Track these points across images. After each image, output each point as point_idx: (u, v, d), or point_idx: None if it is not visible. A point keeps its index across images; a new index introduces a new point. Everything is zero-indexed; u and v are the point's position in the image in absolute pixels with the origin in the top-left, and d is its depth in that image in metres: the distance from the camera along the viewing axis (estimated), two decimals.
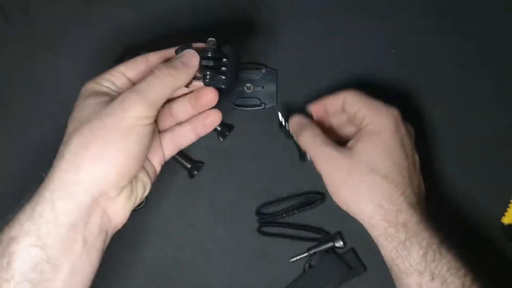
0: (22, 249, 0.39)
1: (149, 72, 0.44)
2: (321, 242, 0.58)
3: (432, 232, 0.47)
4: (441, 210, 0.58)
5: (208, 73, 0.47)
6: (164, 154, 0.50)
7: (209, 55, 0.46)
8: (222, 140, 0.59)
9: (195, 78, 0.47)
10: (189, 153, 0.60)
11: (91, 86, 0.45)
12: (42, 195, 0.41)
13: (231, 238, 0.59)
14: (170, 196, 0.59)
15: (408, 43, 0.61)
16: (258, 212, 0.59)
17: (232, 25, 0.61)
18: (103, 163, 0.41)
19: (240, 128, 0.60)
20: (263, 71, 0.60)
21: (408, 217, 0.47)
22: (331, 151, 0.49)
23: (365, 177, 0.48)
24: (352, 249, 0.58)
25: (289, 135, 0.56)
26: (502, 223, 0.58)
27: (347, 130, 0.54)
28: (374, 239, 0.49)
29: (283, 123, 0.56)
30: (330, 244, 0.58)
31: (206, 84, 0.47)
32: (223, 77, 0.47)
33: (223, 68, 0.47)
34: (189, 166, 0.59)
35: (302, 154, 0.56)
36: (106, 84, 0.45)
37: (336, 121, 0.55)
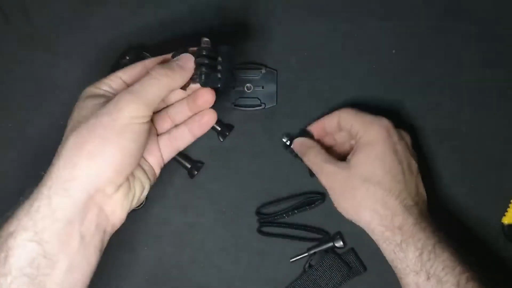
0: (19, 244, 0.40)
1: (145, 74, 0.45)
2: (321, 242, 0.58)
3: (428, 233, 0.49)
4: (441, 211, 0.58)
5: (204, 70, 0.47)
6: (162, 157, 0.51)
7: (203, 54, 0.47)
8: (222, 140, 0.59)
9: (192, 80, 0.48)
10: (189, 153, 0.60)
11: (89, 89, 0.46)
12: (40, 191, 0.41)
13: (231, 238, 0.59)
14: (170, 196, 0.59)
15: (408, 43, 0.60)
16: (258, 212, 0.59)
17: (232, 25, 0.60)
18: (99, 160, 0.42)
19: (240, 128, 0.60)
20: (263, 71, 0.60)
21: (404, 220, 0.49)
22: (330, 167, 0.53)
23: (360, 186, 0.50)
24: (352, 249, 0.59)
25: (296, 155, 0.58)
26: (502, 223, 0.58)
27: (347, 145, 0.57)
28: (376, 243, 0.51)
29: (288, 144, 0.58)
30: (330, 244, 0.58)
31: (202, 84, 0.47)
32: (219, 75, 0.48)
33: (219, 67, 0.48)
34: (189, 166, 0.59)
35: (310, 171, 0.57)
36: (104, 87, 0.46)
37: (338, 138, 0.57)
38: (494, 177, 0.59)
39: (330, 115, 0.56)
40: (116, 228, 0.46)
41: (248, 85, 0.60)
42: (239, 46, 0.60)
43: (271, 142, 0.60)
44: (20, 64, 0.60)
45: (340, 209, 0.53)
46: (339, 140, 0.57)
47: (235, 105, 0.60)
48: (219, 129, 0.59)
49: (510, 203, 0.58)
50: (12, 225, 0.40)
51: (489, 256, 0.58)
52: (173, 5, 0.61)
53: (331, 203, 0.58)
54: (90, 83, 0.48)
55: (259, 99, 0.60)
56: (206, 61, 0.47)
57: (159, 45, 0.59)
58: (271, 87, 0.60)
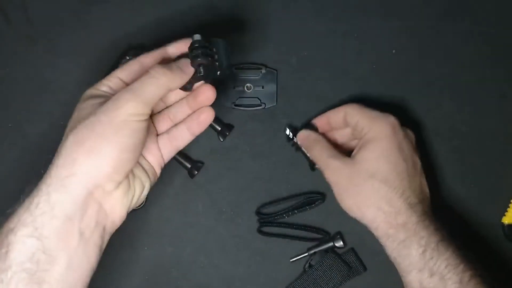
0: (19, 240, 0.40)
1: (144, 72, 0.45)
2: (321, 242, 0.58)
3: (432, 231, 0.49)
4: (442, 210, 0.58)
5: (199, 60, 0.47)
6: (162, 156, 0.51)
7: (197, 45, 0.47)
8: (222, 140, 0.59)
9: (193, 78, 0.48)
10: (189, 153, 0.60)
11: (89, 91, 0.47)
12: (39, 189, 0.42)
13: (231, 238, 0.59)
14: (170, 196, 0.59)
15: (408, 43, 0.61)
16: (258, 212, 0.59)
17: (233, 25, 0.61)
18: (97, 157, 0.42)
19: (240, 128, 0.60)
20: (263, 71, 0.60)
21: (407, 217, 0.49)
22: (335, 163, 0.52)
23: (365, 183, 0.50)
24: (352, 249, 0.58)
25: (298, 148, 0.58)
26: (502, 223, 0.58)
27: (352, 142, 0.57)
28: (379, 240, 0.51)
29: (291, 137, 0.58)
30: (330, 244, 0.58)
31: (202, 77, 0.48)
32: (216, 64, 0.48)
33: (215, 57, 0.48)
34: (189, 166, 0.59)
35: (311, 165, 0.57)
36: (103, 88, 0.47)
37: (343, 133, 0.57)
38: (494, 177, 0.59)
39: (335, 109, 0.56)
40: (116, 226, 0.46)
41: (248, 85, 0.60)
42: (239, 46, 0.60)
43: (271, 142, 0.60)
44: (20, 64, 0.60)
45: (343, 206, 0.52)
46: (343, 137, 0.57)
47: (235, 105, 0.60)
48: (219, 129, 0.59)
49: (510, 203, 0.58)
50: (13, 222, 0.41)
51: (489, 256, 0.58)
52: (173, 5, 0.61)
53: (331, 203, 0.58)
54: (90, 83, 0.48)
55: (259, 99, 0.60)
56: (200, 51, 0.47)
57: (159, 45, 0.59)
58: (271, 87, 0.60)
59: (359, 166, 0.51)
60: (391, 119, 0.52)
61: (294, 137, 0.58)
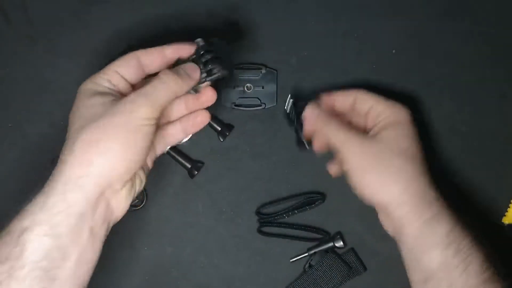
0: (35, 238, 0.41)
1: (155, 77, 0.47)
2: (321, 242, 0.59)
3: (455, 211, 0.50)
4: None
5: (210, 66, 0.49)
6: (155, 151, 0.52)
7: (207, 50, 0.49)
8: (222, 140, 0.59)
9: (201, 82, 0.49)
10: (189, 153, 0.60)
11: (90, 86, 0.47)
12: (54, 187, 0.42)
13: (231, 238, 0.59)
14: (170, 196, 0.59)
15: (408, 43, 0.61)
16: (258, 212, 0.59)
17: (233, 25, 0.61)
18: (112, 158, 0.43)
19: (240, 128, 0.60)
20: (263, 71, 0.60)
21: (436, 195, 0.49)
22: (357, 139, 0.51)
23: (394, 159, 0.50)
24: (352, 249, 0.59)
25: (292, 122, 0.57)
26: (502, 223, 0.58)
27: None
28: (396, 221, 0.49)
29: (289, 110, 0.57)
30: (330, 244, 0.58)
31: (216, 77, 0.49)
32: (225, 64, 0.49)
33: (221, 58, 0.49)
34: (189, 166, 0.59)
35: (301, 142, 0.56)
36: (105, 84, 0.47)
37: (343, 120, 0.56)
38: (494, 177, 0.59)
39: (344, 92, 0.55)
40: (117, 221, 0.47)
41: (248, 85, 0.60)
42: (239, 46, 0.60)
43: (271, 142, 0.60)
44: (20, 64, 0.60)
45: (363, 183, 0.50)
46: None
47: (235, 105, 0.60)
48: (219, 129, 0.59)
49: (510, 203, 0.58)
50: (27, 220, 0.42)
51: None
52: (173, 5, 0.61)
53: (331, 203, 0.58)
54: None
55: (259, 99, 0.60)
56: (209, 56, 0.49)
57: (159, 45, 0.59)
58: (271, 87, 0.60)
59: (385, 144, 0.50)
60: (407, 109, 0.53)
61: (293, 109, 0.56)
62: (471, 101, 0.60)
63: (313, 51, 0.60)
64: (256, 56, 0.60)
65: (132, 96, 0.45)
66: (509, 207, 0.58)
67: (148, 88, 0.46)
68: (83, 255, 0.43)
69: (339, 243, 0.58)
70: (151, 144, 0.47)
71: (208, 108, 0.53)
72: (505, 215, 0.58)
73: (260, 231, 0.59)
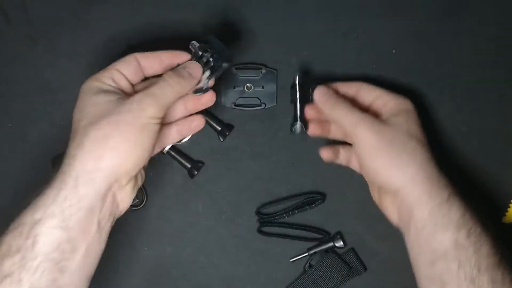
0: (47, 231, 0.42)
1: (160, 78, 0.48)
2: (321, 242, 0.59)
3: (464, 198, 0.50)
4: None
5: (213, 63, 0.50)
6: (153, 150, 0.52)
7: (205, 49, 0.51)
8: (222, 140, 0.59)
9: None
10: (189, 153, 0.60)
11: (95, 84, 0.48)
12: (65, 181, 0.44)
13: (231, 238, 0.59)
14: (170, 196, 0.59)
15: (408, 43, 0.61)
16: (258, 212, 0.59)
17: (233, 25, 0.61)
18: (121, 154, 0.45)
19: (240, 128, 0.60)
20: (263, 71, 0.60)
21: (446, 181, 0.50)
22: (372, 119, 0.51)
23: (407, 143, 0.50)
24: (352, 249, 0.59)
25: (294, 100, 0.56)
26: (502, 223, 0.58)
27: (338, 134, 0.57)
28: (406, 206, 0.49)
29: (297, 87, 0.56)
30: (330, 244, 0.58)
31: (221, 71, 0.51)
32: (224, 55, 0.51)
33: (219, 52, 0.51)
34: (189, 166, 0.59)
35: (294, 124, 0.56)
36: (109, 82, 0.48)
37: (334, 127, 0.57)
38: (494, 177, 0.59)
39: (347, 83, 0.56)
40: (120, 215, 0.48)
41: (248, 85, 0.60)
42: (239, 46, 0.60)
43: (271, 142, 0.60)
44: (20, 64, 0.60)
45: (374, 167, 0.50)
46: (333, 130, 0.56)
47: (235, 105, 0.60)
48: (219, 129, 0.59)
49: (510, 203, 0.58)
50: (39, 213, 0.43)
51: None
52: (173, 5, 0.61)
53: (331, 203, 0.58)
54: None
55: (259, 99, 0.60)
56: (210, 56, 0.50)
57: (158, 45, 0.59)
58: (271, 87, 0.60)
59: (399, 127, 0.51)
60: (410, 99, 0.54)
61: (300, 89, 0.56)
62: (471, 101, 0.60)
63: (313, 51, 0.60)
64: (256, 56, 0.60)
65: (140, 95, 0.47)
66: (509, 207, 0.58)
67: (154, 89, 0.47)
68: (90, 247, 0.44)
69: (339, 243, 0.58)
70: (155, 142, 0.48)
71: (208, 108, 0.53)
72: (505, 215, 0.58)
73: (260, 231, 0.59)
